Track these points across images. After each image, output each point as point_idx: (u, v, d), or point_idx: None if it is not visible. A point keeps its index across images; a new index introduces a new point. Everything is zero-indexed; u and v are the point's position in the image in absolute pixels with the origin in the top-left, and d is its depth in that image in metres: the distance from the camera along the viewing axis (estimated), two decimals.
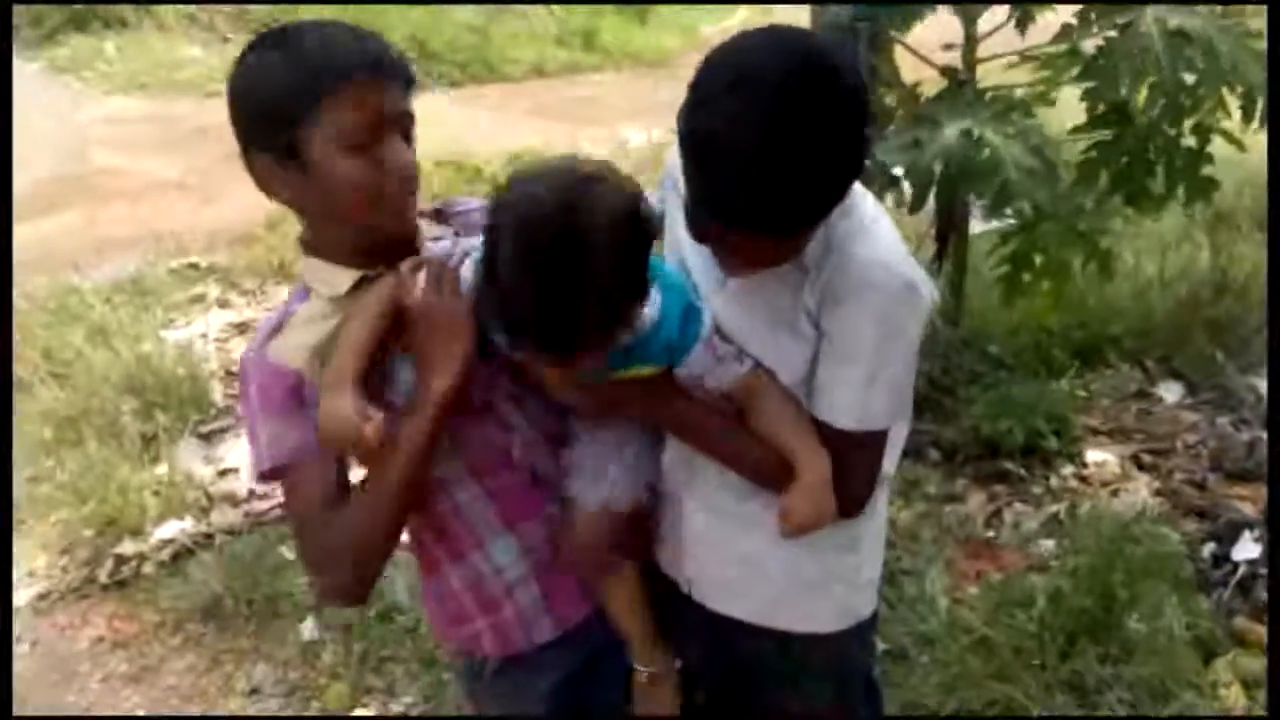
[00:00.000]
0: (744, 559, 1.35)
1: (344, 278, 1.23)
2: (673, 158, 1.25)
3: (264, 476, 1.23)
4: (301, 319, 1.23)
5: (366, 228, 1.22)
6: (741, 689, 1.46)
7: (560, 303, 1.04)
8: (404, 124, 1.20)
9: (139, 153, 7.30)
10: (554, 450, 1.36)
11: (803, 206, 1.05)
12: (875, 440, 1.24)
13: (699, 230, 1.11)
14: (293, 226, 5.18)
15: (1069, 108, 3.07)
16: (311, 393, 1.19)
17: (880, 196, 3.13)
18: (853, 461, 1.24)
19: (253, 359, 1.23)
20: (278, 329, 1.23)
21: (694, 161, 1.04)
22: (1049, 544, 2.71)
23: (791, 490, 1.23)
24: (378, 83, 1.15)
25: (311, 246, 1.27)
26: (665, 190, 1.33)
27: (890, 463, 1.31)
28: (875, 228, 1.19)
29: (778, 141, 0.98)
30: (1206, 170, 2.92)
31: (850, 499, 1.26)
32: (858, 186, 1.18)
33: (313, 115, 1.14)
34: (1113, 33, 2.71)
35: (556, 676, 1.41)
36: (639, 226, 1.07)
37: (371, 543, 1.23)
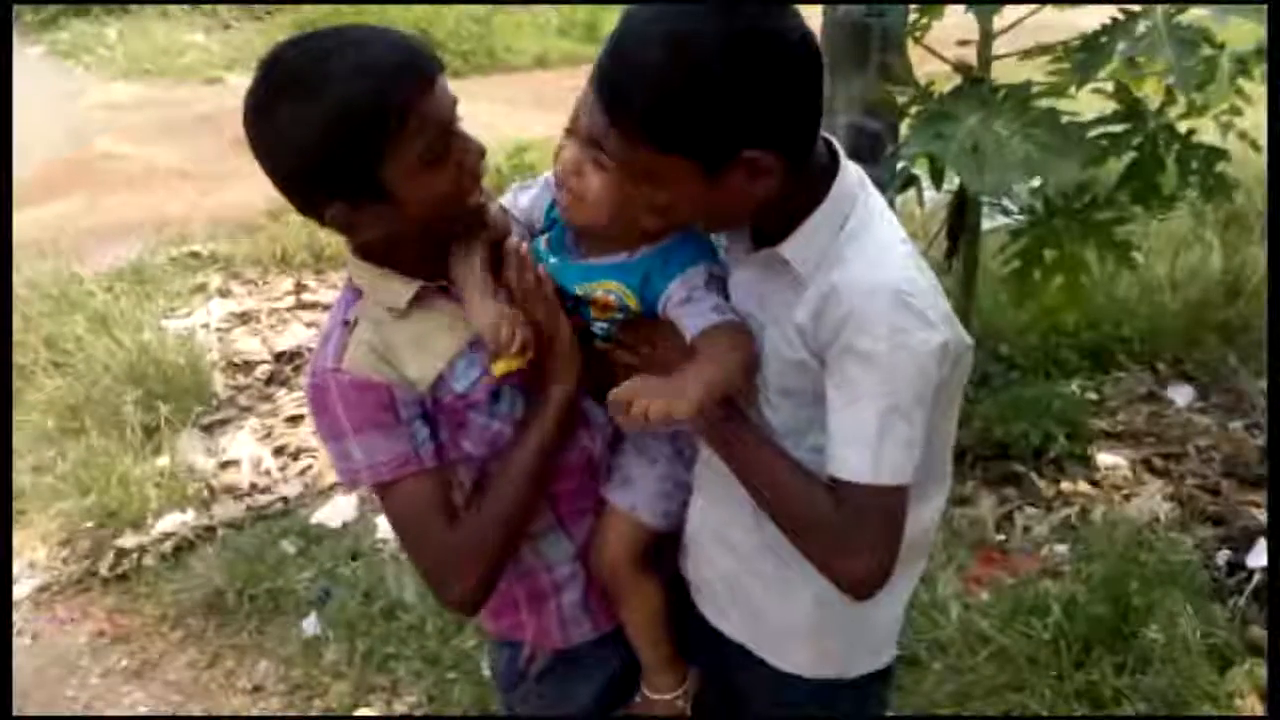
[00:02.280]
0: (730, 580, 1.30)
1: (404, 290, 1.20)
2: None
3: (362, 485, 1.21)
4: (366, 330, 1.19)
5: (447, 226, 1.20)
6: (731, 696, 1.41)
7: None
8: (456, 113, 1.15)
9: (141, 139, 7.26)
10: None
11: (690, 119, 0.98)
12: (892, 500, 1.08)
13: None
14: (295, 216, 5.13)
15: (1087, 108, 3.03)
16: (404, 404, 1.18)
17: (898, 193, 3.11)
18: (861, 523, 1.08)
19: (331, 377, 1.17)
20: (343, 343, 1.19)
21: (606, 55, 1.01)
22: (1061, 549, 2.68)
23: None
24: (429, 93, 1.10)
25: (373, 253, 1.21)
26: None
27: (922, 534, 1.21)
28: (891, 252, 1.09)
29: (681, 42, 0.96)
30: (1222, 167, 2.88)
31: (856, 571, 1.10)
32: (879, 213, 1.12)
33: (383, 154, 1.08)
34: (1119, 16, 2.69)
35: (600, 680, 1.41)
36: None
37: (499, 545, 1.22)
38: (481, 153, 1.18)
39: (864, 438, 1.05)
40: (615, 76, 1.01)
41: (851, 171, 1.13)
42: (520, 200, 1.32)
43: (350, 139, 1.06)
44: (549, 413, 1.21)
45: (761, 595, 1.27)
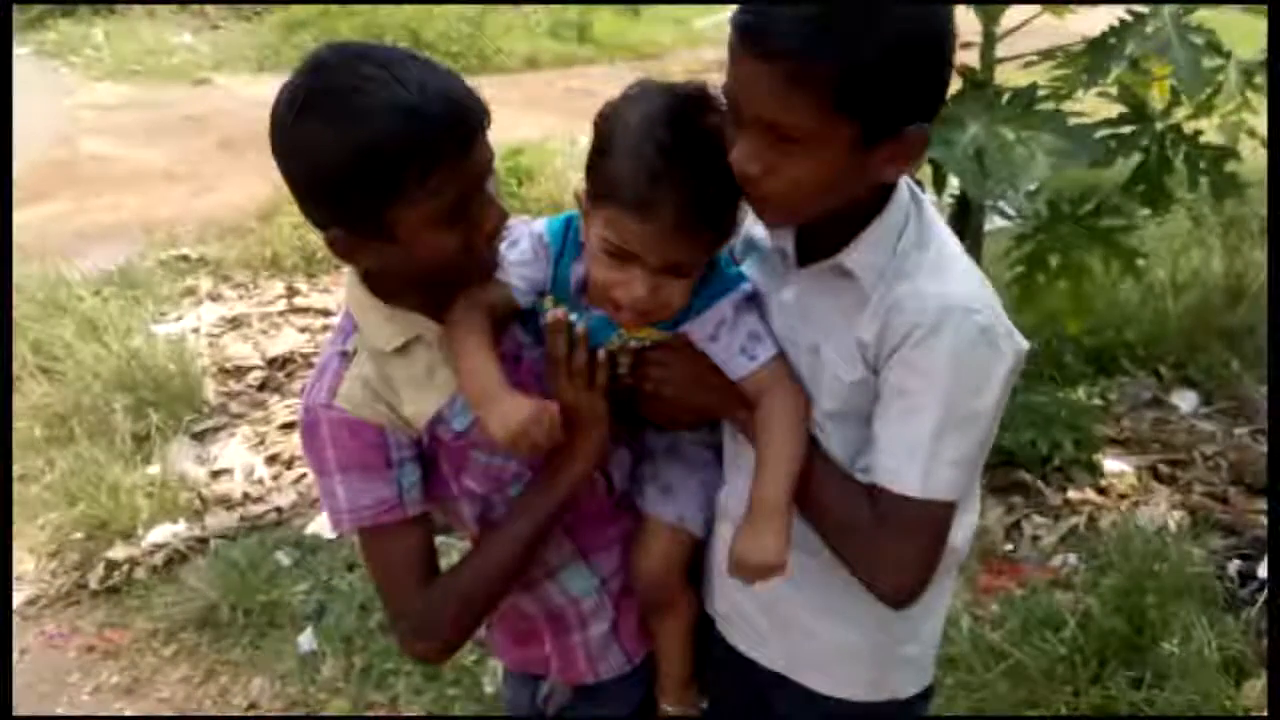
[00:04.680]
0: (773, 608, 1.25)
1: (395, 335, 1.14)
2: None
3: (345, 527, 1.18)
4: (364, 364, 1.15)
5: (448, 277, 1.13)
6: None
7: (706, 162, 1.02)
8: (490, 171, 1.10)
9: (128, 140, 7.18)
10: (633, 471, 1.31)
11: (888, 83, 0.93)
12: (938, 516, 1.06)
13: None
14: (286, 218, 5.01)
15: (1092, 113, 3.00)
16: (395, 445, 1.14)
17: None
18: (905, 537, 1.06)
19: (322, 412, 1.13)
20: (339, 377, 1.14)
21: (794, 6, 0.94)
22: (1071, 559, 2.64)
23: (742, 523, 1.10)
24: (462, 153, 1.03)
25: (373, 285, 1.16)
26: None
27: (962, 541, 1.18)
28: (955, 265, 1.08)
29: (891, 4, 0.93)
30: (1232, 167, 2.86)
31: (899, 584, 1.09)
32: (936, 225, 1.10)
33: (403, 198, 1.02)
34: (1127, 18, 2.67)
35: (622, 714, 1.37)
36: None
37: (477, 610, 1.21)
38: (503, 217, 1.12)
39: (917, 452, 1.04)
40: (816, 26, 0.92)
41: (903, 181, 1.09)
42: (520, 270, 1.19)
43: (365, 177, 1.00)
44: (555, 494, 1.17)
45: (813, 619, 1.23)
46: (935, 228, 1.09)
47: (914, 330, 1.02)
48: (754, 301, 1.16)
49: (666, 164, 1.02)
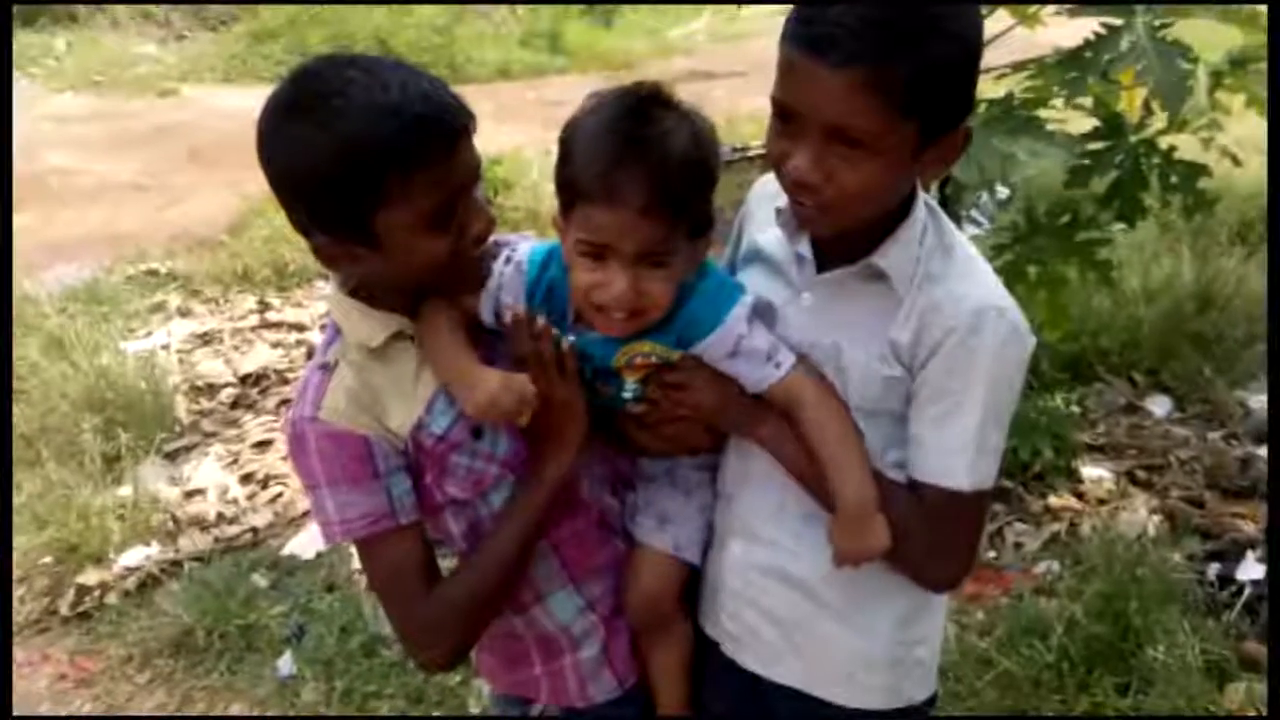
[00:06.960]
0: (785, 621, 1.25)
1: (378, 330, 1.15)
2: (758, 189, 1.25)
3: (336, 540, 1.18)
4: (344, 375, 1.15)
5: (434, 282, 1.13)
6: None
7: (665, 146, 1.04)
8: (477, 176, 1.11)
9: (93, 153, 7.05)
10: (620, 494, 1.31)
11: (954, 84, 0.98)
12: (982, 504, 1.14)
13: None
14: (257, 231, 4.90)
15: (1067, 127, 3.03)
16: (382, 455, 1.14)
17: None
18: (956, 529, 1.13)
19: (308, 425, 1.13)
20: (322, 389, 1.14)
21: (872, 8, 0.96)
22: (1054, 566, 2.66)
23: (834, 524, 1.13)
24: (446, 156, 1.04)
25: (358, 293, 1.16)
26: (745, 210, 1.30)
27: None
28: (979, 266, 1.13)
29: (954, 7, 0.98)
30: (1204, 183, 2.89)
31: (949, 574, 1.17)
32: (952, 229, 1.13)
33: (388, 201, 1.03)
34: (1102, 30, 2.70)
35: None
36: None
37: (478, 615, 1.21)
38: (490, 222, 1.13)
39: (964, 447, 1.09)
40: (885, 30, 0.94)
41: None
42: (492, 285, 1.19)
43: (348, 178, 1.01)
44: (538, 497, 1.18)
45: (833, 629, 1.23)
46: (952, 231, 1.13)
47: (953, 331, 1.07)
48: (759, 310, 1.16)
49: (625, 150, 1.03)
